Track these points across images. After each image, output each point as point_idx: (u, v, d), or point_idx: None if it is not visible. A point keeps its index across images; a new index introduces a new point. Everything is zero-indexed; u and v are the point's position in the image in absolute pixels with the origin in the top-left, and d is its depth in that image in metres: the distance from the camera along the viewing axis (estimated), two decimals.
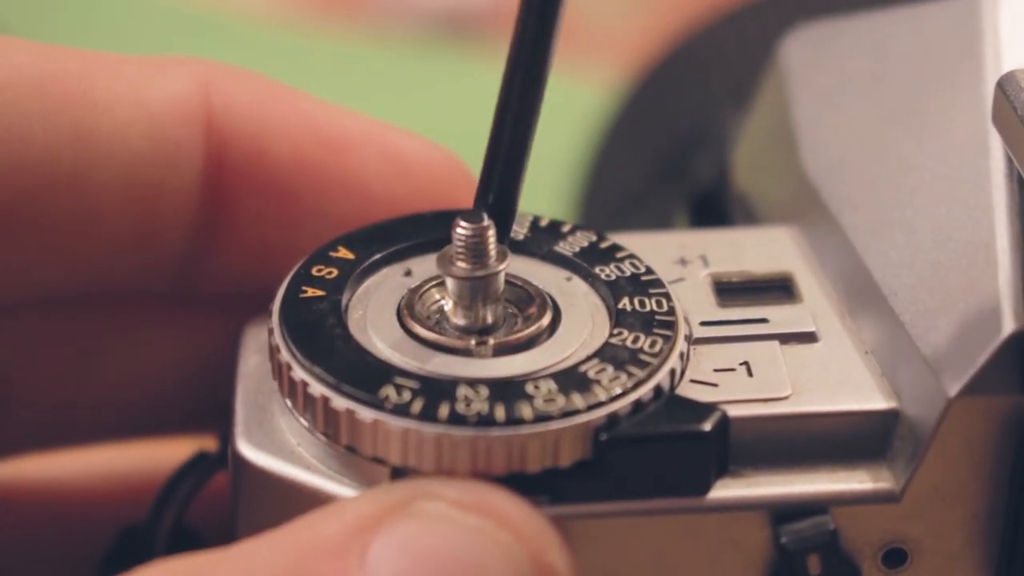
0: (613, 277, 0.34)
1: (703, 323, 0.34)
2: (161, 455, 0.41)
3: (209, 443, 0.38)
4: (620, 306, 0.33)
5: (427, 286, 0.34)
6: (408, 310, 0.33)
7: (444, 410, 0.30)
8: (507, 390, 0.31)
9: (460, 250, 0.33)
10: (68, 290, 0.37)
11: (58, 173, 0.34)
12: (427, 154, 0.37)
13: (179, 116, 0.35)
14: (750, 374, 0.33)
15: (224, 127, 0.36)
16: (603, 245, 0.35)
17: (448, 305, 0.33)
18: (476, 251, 0.33)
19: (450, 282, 0.33)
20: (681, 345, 0.33)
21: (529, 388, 0.31)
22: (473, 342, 0.32)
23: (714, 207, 0.46)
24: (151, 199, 0.35)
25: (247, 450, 0.32)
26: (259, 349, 0.35)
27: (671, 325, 0.33)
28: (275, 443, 0.32)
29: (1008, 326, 0.31)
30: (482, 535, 0.29)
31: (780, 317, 0.34)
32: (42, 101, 0.34)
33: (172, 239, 0.36)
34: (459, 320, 0.33)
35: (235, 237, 0.37)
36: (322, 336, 0.32)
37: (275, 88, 0.37)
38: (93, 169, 0.34)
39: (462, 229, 0.32)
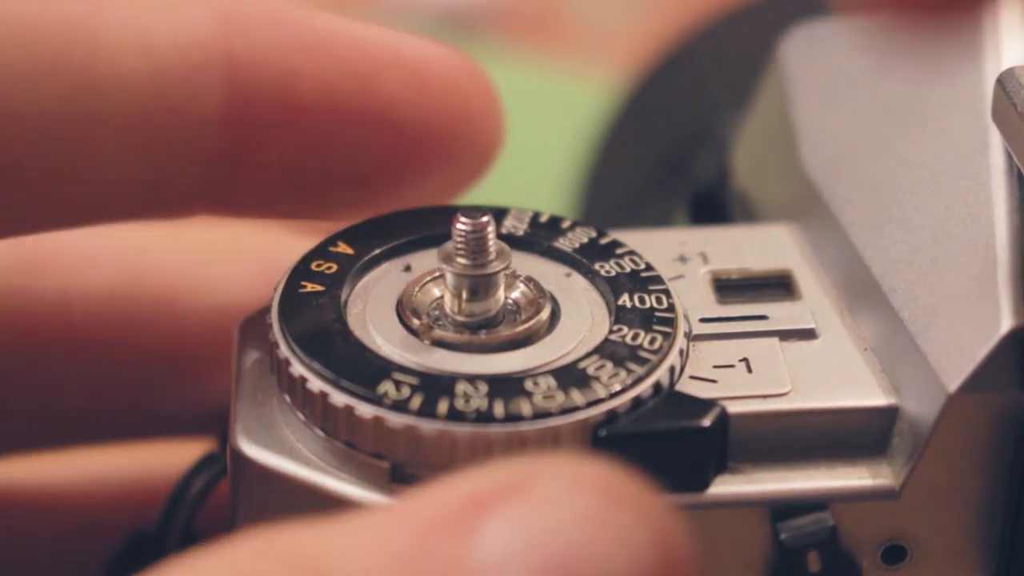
0: (613, 273, 0.34)
1: (702, 320, 0.34)
2: (162, 458, 0.41)
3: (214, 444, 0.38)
4: (620, 302, 0.33)
5: (426, 280, 0.34)
6: (407, 304, 0.33)
7: (443, 406, 0.30)
8: (506, 386, 0.31)
9: (460, 246, 0.33)
10: (72, 226, 0.36)
11: (55, 130, 0.33)
12: (447, 65, 0.36)
13: (194, 64, 0.34)
14: (749, 370, 0.33)
15: (248, 69, 0.34)
16: (603, 241, 0.35)
17: (448, 299, 0.33)
18: (476, 247, 0.33)
19: (450, 277, 0.33)
20: (680, 342, 0.33)
21: (528, 385, 0.31)
22: (472, 337, 0.32)
23: (714, 206, 0.46)
24: (161, 148, 0.34)
25: (246, 446, 0.32)
26: (258, 344, 0.35)
27: (671, 322, 0.33)
28: (274, 439, 0.32)
29: (1007, 322, 0.31)
30: (597, 519, 0.27)
31: (779, 314, 0.35)
32: (36, 56, 0.32)
33: (187, 184, 0.35)
34: (459, 315, 0.33)
35: (263, 177, 0.36)
36: (321, 332, 0.32)
37: (297, 15, 0.35)
38: (95, 123, 0.33)
39: (462, 225, 0.33)
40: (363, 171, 0.36)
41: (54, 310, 0.39)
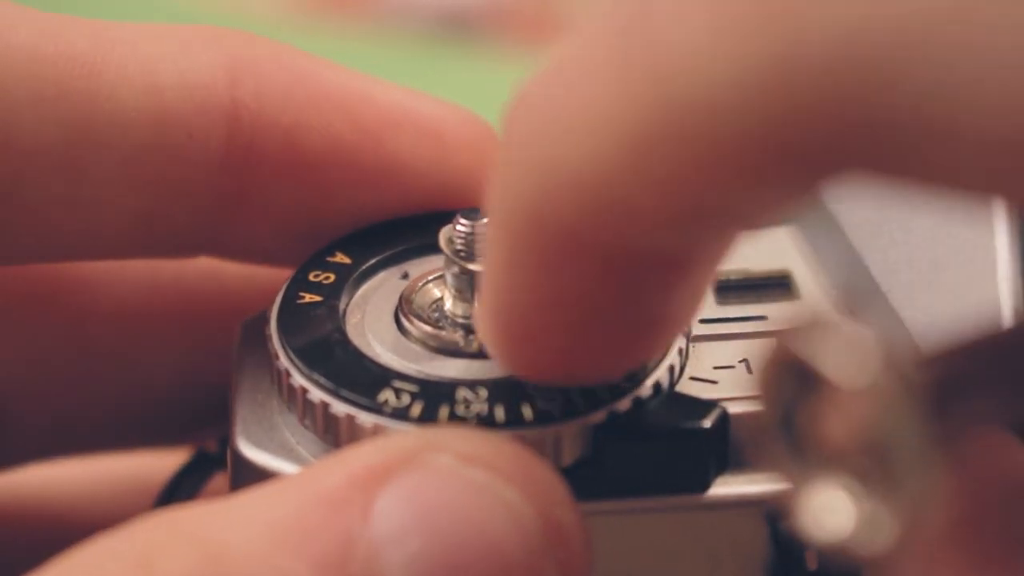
0: None
1: (702, 320, 0.34)
2: (160, 460, 0.41)
3: (210, 443, 0.38)
4: None
5: (426, 281, 0.34)
6: (407, 305, 0.33)
7: (444, 412, 0.31)
8: (506, 390, 0.31)
9: (460, 246, 0.33)
10: (68, 259, 0.36)
11: (52, 160, 0.33)
12: (460, 125, 0.36)
13: (196, 105, 0.34)
14: (750, 371, 0.33)
15: (252, 116, 0.35)
16: None
17: (448, 300, 0.33)
18: (476, 248, 0.33)
19: (450, 278, 0.33)
20: (679, 342, 0.33)
21: (529, 388, 0.31)
22: (473, 336, 0.32)
23: None
24: (159, 186, 0.34)
25: (247, 449, 0.33)
26: (258, 346, 0.35)
27: None
28: (274, 441, 0.33)
29: (1007, 323, 0.31)
30: (488, 491, 0.28)
31: (779, 314, 0.35)
32: (37, 87, 0.33)
33: (185, 224, 0.35)
34: (459, 314, 0.33)
35: (264, 222, 0.36)
36: (320, 342, 0.32)
37: (307, 66, 0.35)
38: (92, 155, 0.33)
39: (462, 226, 0.33)
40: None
41: (72, 329, 0.39)
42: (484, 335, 0.30)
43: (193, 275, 0.39)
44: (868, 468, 0.24)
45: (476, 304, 0.31)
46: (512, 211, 0.27)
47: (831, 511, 0.24)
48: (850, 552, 0.24)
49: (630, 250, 0.26)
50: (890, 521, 0.23)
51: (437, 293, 0.34)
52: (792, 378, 0.24)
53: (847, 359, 0.23)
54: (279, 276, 0.35)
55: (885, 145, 0.23)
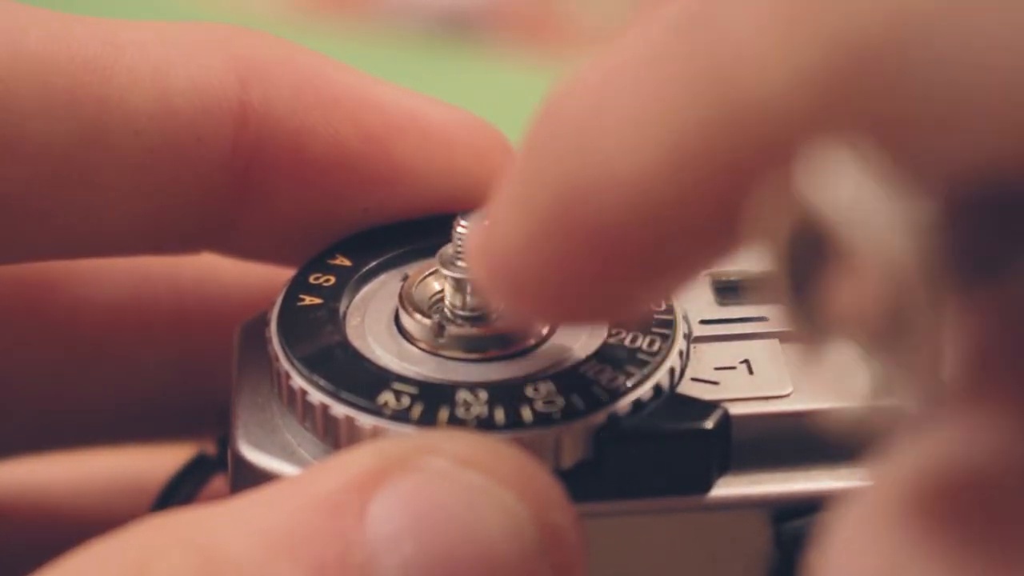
0: None
1: (703, 321, 0.34)
2: (157, 460, 0.41)
3: (209, 446, 0.38)
4: None
5: (426, 275, 0.34)
6: (407, 299, 0.33)
7: (444, 415, 0.31)
8: (506, 393, 0.31)
9: (460, 249, 0.33)
10: (73, 257, 0.37)
11: (62, 164, 0.33)
12: (467, 131, 0.36)
13: (205, 109, 0.34)
14: (751, 372, 0.33)
15: (260, 119, 0.35)
16: None
17: (447, 298, 0.33)
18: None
19: (450, 280, 0.33)
20: (680, 344, 0.33)
21: (528, 391, 0.31)
22: (473, 330, 0.33)
23: None
24: (167, 189, 0.35)
25: (247, 451, 0.33)
26: (258, 348, 0.35)
27: (669, 324, 0.33)
28: (275, 444, 0.33)
29: None
30: (483, 494, 0.28)
31: (779, 314, 0.34)
32: (48, 92, 0.33)
33: (192, 223, 0.35)
34: (458, 308, 0.33)
35: (268, 223, 0.36)
36: (320, 344, 0.32)
37: (316, 69, 0.35)
38: (102, 161, 0.34)
39: (462, 228, 0.33)
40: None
41: (64, 324, 0.39)
42: (478, 269, 0.29)
43: (189, 275, 0.40)
44: (882, 332, 0.23)
45: (472, 241, 0.30)
46: (544, 189, 0.26)
47: (846, 377, 0.23)
48: (867, 422, 0.23)
49: (652, 248, 0.26)
50: (906, 385, 0.23)
51: (437, 286, 0.34)
52: (806, 241, 0.23)
53: (862, 225, 0.23)
54: (276, 278, 0.35)
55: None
